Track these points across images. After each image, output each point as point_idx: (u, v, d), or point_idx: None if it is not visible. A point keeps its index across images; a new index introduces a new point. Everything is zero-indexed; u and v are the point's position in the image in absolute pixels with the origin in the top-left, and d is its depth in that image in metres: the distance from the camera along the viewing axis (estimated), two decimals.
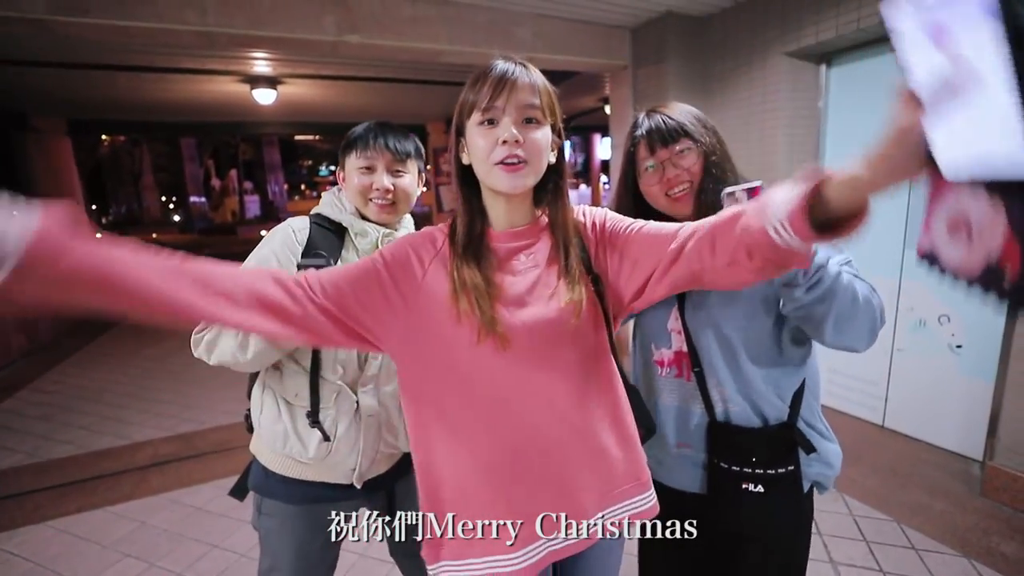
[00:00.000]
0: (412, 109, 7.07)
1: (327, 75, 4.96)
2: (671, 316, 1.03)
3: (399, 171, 1.09)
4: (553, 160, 0.80)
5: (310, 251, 1.03)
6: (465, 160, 0.79)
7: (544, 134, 0.76)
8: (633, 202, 1.05)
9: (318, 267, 1.04)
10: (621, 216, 0.86)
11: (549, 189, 0.82)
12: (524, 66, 0.76)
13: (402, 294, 0.77)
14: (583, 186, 16.06)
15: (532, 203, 0.83)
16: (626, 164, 1.05)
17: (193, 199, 17.41)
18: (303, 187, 28.02)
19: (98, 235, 0.57)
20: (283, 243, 1.03)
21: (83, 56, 3.97)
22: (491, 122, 0.74)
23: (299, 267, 1.01)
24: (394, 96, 6.03)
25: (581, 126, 10.77)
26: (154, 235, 13.94)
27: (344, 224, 1.08)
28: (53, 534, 2.25)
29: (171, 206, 19.32)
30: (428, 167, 1.41)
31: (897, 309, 2.74)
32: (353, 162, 1.08)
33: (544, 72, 0.77)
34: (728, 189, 0.84)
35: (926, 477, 2.41)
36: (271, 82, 5.12)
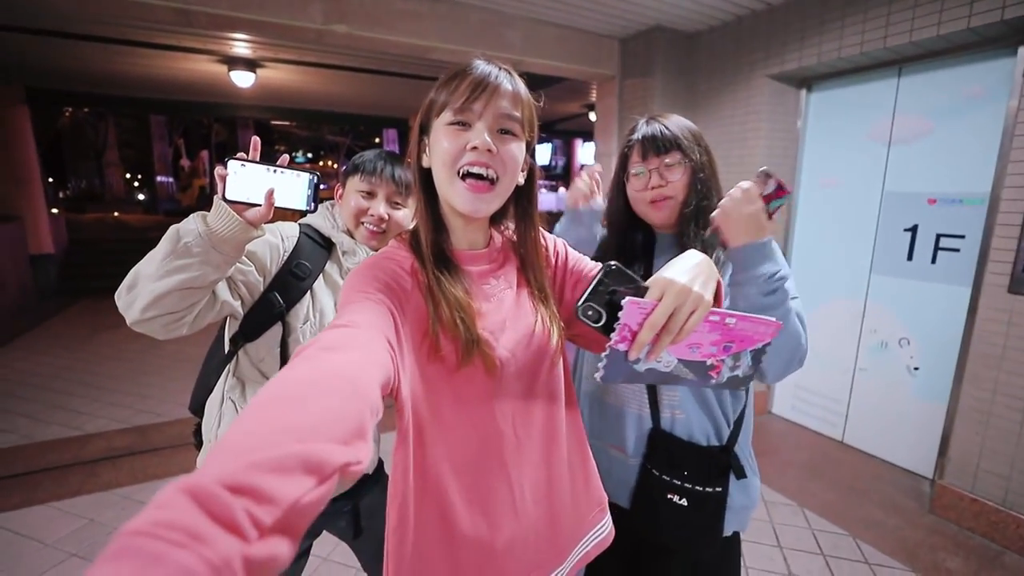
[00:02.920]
0: (395, 102, 6.96)
1: (310, 62, 4.84)
2: None
3: (397, 203, 1.10)
4: (522, 181, 0.72)
5: (294, 259, 1.02)
6: (426, 163, 0.70)
7: (519, 149, 0.68)
8: (624, 204, 1.07)
9: (300, 277, 1.01)
10: (581, 255, 0.85)
11: (518, 213, 0.76)
12: (508, 72, 0.67)
13: (406, 331, 0.64)
14: (562, 189, 16.15)
15: (489, 223, 0.77)
16: (619, 166, 1.07)
17: (160, 179, 16.72)
18: None
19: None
20: (269, 246, 1.00)
21: (46, 22, 3.75)
22: (463, 124, 0.65)
23: (279, 275, 1.00)
24: (377, 88, 5.93)
25: (564, 130, 10.84)
26: (116, 214, 13.32)
27: (334, 240, 1.08)
28: None
29: (136, 184, 18.51)
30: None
31: (861, 330, 2.85)
32: (355, 184, 1.08)
33: (531, 76, 0.73)
34: (764, 168, 0.87)
35: (881, 493, 2.51)
36: (250, 65, 4.96)
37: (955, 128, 2.40)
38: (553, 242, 0.84)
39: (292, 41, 3.92)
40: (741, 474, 1.02)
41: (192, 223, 0.82)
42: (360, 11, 2.65)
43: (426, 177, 0.71)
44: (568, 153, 15.28)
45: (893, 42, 2.33)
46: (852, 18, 2.47)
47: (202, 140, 17.26)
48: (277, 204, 0.87)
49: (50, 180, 9.86)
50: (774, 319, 0.64)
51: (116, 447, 2.81)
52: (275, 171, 0.87)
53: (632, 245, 1.07)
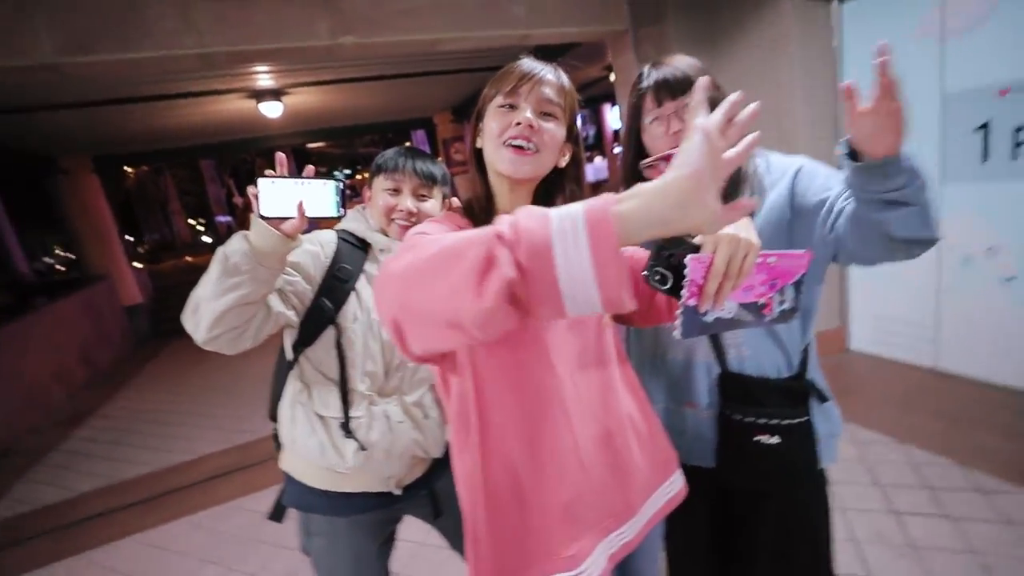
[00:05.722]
0: (417, 103, 7.05)
1: (329, 80, 4.99)
2: None
3: (424, 195, 1.11)
4: (563, 164, 0.81)
5: (336, 264, 1.07)
6: (480, 144, 0.80)
7: (559, 129, 0.77)
8: (642, 156, 1.02)
9: (343, 280, 1.06)
10: None
11: (566, 196, 0.81)
12: (553, 67, 0.78)
13: None
14: (598, 159, 15.74)
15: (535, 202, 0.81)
16: (631, 119, 1.01)
17: (219, 218, 17.97)
18: None
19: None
20: (310, 255, 1.06)
21: (96, 93, 4.10)
22: (511, 107, 0.76)
23: (325, 280, 1.06)
24: (398, 92, 6.01)
25: (589, 97, 10.54)
26: (187, 258, 14.43)
27: (369, 240, 1.11)
28: (141, 548, 2.42)
29: (200, 228, 19.96)
30: (439, 159, 1.44)
31: (939, 247, 2.61)
32: (381, 183, 1.11)
33: (544, 47, 0.77)
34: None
35: (990, 417, 2.31)
36: (276, 94, 5.18)
37: (1019, 4, 2.12)
38: None
39: (307, 62, 4.06)
40: (823, 397, 1.01)
41: (236, 243, 0.89)
42: (363, 20, 2.69)
43: (479, 156, 0.81)
44: (598, 120, 14.82)
45: None
46: None
47: (248, 176, 18.32)
48: (308, 214, 0.92)
49: (130, 238, 10.82)
50: (804, 251, 0.69)
51: (224, 464, 3.10)
52: (302, 183, 0.93)
53: None
